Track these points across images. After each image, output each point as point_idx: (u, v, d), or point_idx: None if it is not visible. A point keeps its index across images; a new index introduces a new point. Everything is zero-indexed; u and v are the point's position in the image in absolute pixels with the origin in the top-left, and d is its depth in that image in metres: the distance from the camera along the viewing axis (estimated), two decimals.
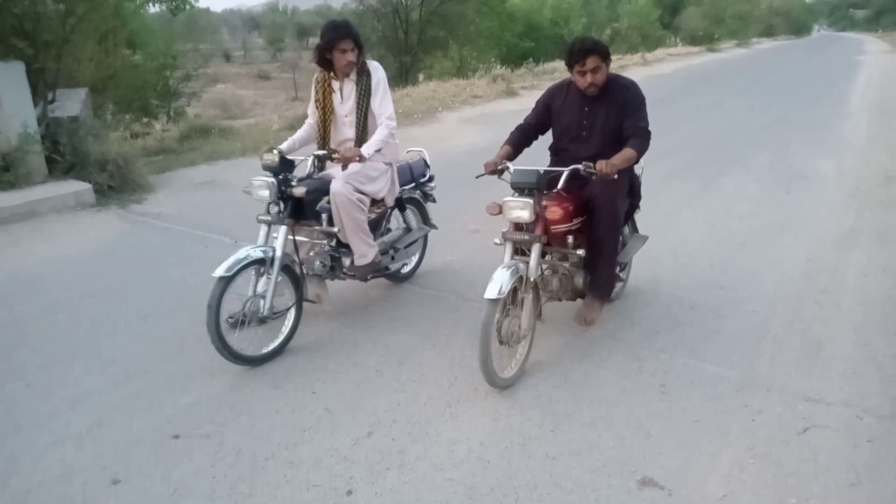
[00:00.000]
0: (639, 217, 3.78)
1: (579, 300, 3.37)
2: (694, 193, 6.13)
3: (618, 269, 3.46)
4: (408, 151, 4.09)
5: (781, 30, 59.83)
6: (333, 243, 3.45)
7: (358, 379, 3.03)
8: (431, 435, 2.62)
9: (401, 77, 17.71)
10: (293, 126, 10.41)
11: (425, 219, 4.11)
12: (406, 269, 4.14)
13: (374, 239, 3.53)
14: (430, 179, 4.07)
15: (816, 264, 4.37)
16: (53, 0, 6.24)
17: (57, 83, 6.55)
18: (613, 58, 3.35)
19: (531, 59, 21.99)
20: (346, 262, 3.46)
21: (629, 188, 3.34)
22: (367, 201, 3.41)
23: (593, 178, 2.93)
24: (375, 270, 3.60)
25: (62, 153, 6.14)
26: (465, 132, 9.78)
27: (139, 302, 3.86)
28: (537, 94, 3.50)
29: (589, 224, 3.17)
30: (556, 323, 3.48)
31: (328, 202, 3.30)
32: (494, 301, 2.71)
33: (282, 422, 2.71)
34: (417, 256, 4.19)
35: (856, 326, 3.50)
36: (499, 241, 3.04)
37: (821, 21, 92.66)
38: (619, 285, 3.67)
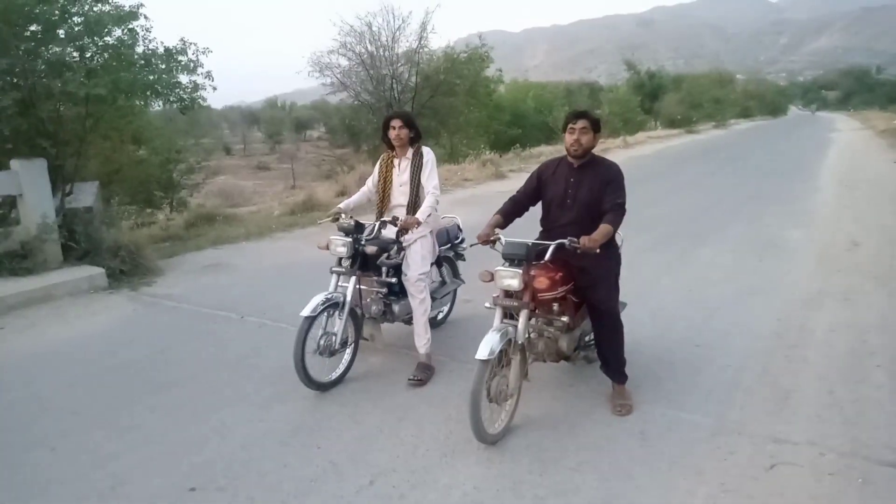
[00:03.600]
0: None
1: (563, 362, 3.66)
2: (672, 263, 6.51)
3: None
4: (443, 217, 4.60)
5: (757, 111, 62.71)
6: (386, 291, 4.03)
7: (360, 435, 3.26)
8: (429, 482, 2.84)
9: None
10: (294, 212, 10.93)
11: (456, 274, 4.77)
12: (440, 317, 4.76)
13: None
14: (462, 241, 4.69)
15: (786, 323, 4.69)
16: (73, 103, 6.80)
17: (74, 178, 7.03)
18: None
19: (518, 145, 23.03)
20: (395, 308, 4.04)
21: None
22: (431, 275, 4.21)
23: (577, 251, 3.20)
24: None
25: (77, 241, 6.51)
26: (456, 212, 10.16)
27: (153, 374, 4.10)
28: (524, 176, 3.93)
29: (576, 294, 3.47)
30: (543, 380, 3.75)
31: (387, 258, 3.97)
32: (485, 361, 2.97)
33: (290, 475, 2.92)
34: (449, 306, 4.86)
35: (821, 376, 3.78)
36: (489, 305, 3.34)
37: (796, 101, 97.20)
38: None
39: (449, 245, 4.59)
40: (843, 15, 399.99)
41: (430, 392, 3.73)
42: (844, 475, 2.77)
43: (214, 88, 8.53)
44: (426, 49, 19.14)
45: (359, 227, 3.90)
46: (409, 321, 4.27)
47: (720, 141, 28.29)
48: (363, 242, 3.85)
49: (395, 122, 4.06)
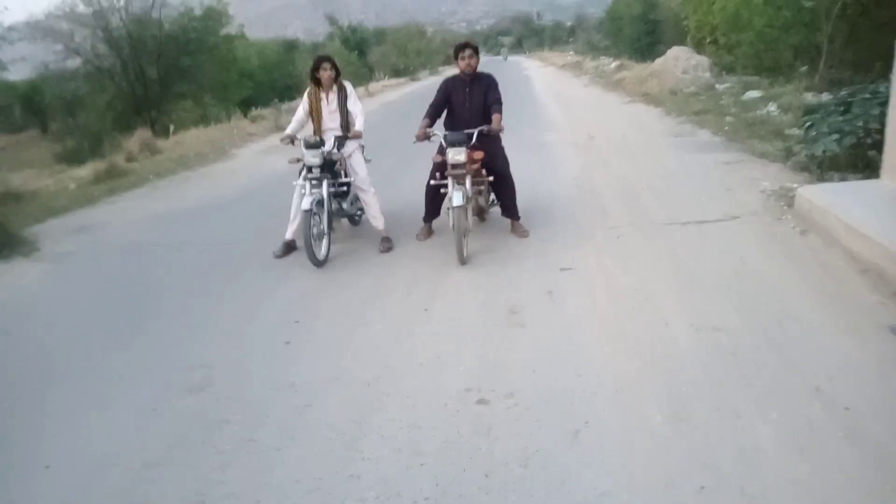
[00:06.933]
0: None
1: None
2: None
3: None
4: None
5: None
6: (345, 190, 5.31)
7: (372, 282, 4.69)
8: (445, 285, 4.47)
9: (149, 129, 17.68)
10: (99, 180, 10.38)
11: None
12: (358, 217, 5.92)
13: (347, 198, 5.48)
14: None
15: (577, 182, 7.13)
16: None
17: None
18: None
19: (253, 106, 23.08)
20: (345, 206, 5.38)
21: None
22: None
23: (491, 134, 5.00)
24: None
25: None
26: (266, 161, 10.97)
27: (142, 300, 4.82)
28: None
29: (492, 172, 5.21)
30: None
31: (339, 165, 5.26)
32: (461, 206, 4.61)
33: (351, 309, 4.23)
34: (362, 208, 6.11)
35: (614, 198, 6.24)
36: (434, 182, 4.97)
37: (482, 48, 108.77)
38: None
39: None
40: None
41: (397, 254, 5.24)
42: (660, 231, 5.15)
43: None
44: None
45: (322, 142, 5.07)
46: (352, 218, 5.72)
47: None
48: (326, 152, 5.04)
49: (326, 65, 5.22)
